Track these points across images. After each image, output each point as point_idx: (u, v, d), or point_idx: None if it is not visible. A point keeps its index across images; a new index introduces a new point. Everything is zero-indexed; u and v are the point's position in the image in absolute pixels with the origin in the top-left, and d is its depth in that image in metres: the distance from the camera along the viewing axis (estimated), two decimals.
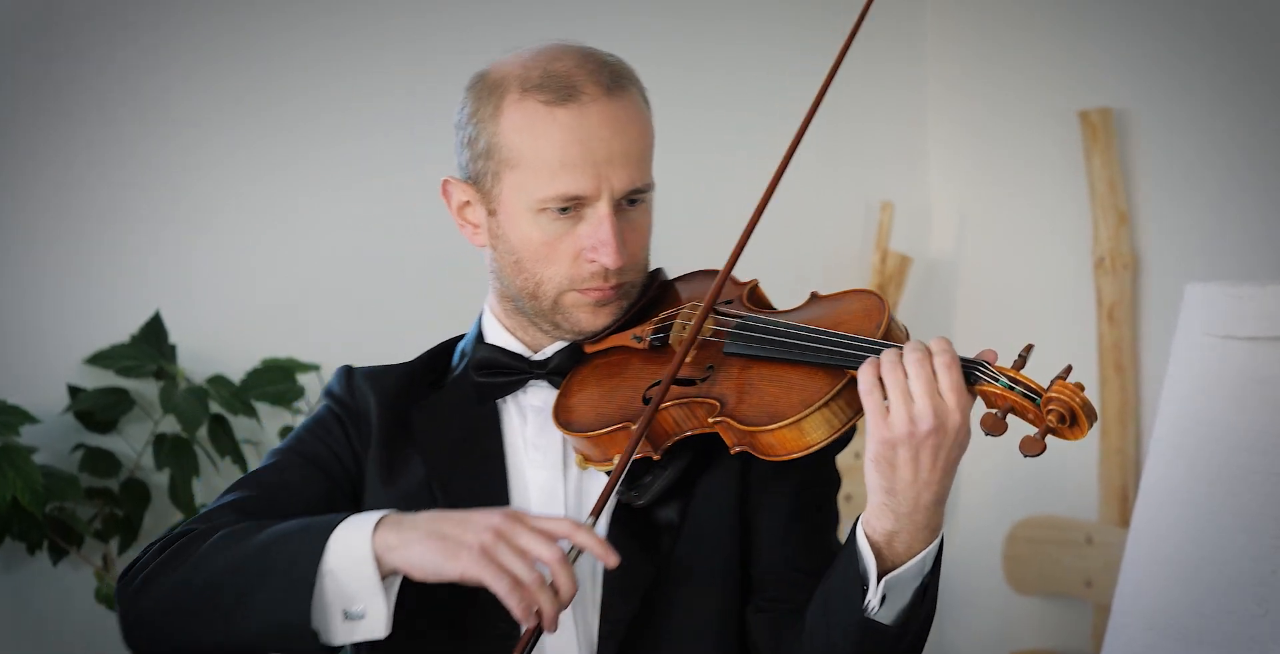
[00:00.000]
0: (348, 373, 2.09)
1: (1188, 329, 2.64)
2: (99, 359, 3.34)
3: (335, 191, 3.64)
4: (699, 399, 1.90)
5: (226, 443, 3.39)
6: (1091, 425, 1.78)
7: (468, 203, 2.02)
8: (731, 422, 1.87)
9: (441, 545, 1.78)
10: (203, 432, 3.39)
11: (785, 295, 2.24)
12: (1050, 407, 1.78)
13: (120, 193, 3.41)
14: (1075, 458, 4.00)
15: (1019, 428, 1.84)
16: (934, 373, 1.76)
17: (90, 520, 3.28)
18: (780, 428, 1.84)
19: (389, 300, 3.69)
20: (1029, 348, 1.83)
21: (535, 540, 1.78)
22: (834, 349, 1.86)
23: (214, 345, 3.48)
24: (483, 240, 2.03)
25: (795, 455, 1.86)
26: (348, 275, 3.65)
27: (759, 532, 1.99)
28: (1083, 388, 1.78)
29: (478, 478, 1.97)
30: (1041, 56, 4.15)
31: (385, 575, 1.82)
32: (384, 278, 3.69)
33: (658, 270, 2.08)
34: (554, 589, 1.78)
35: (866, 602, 1.82)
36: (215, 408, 3.40)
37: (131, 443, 3.37)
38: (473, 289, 3.68)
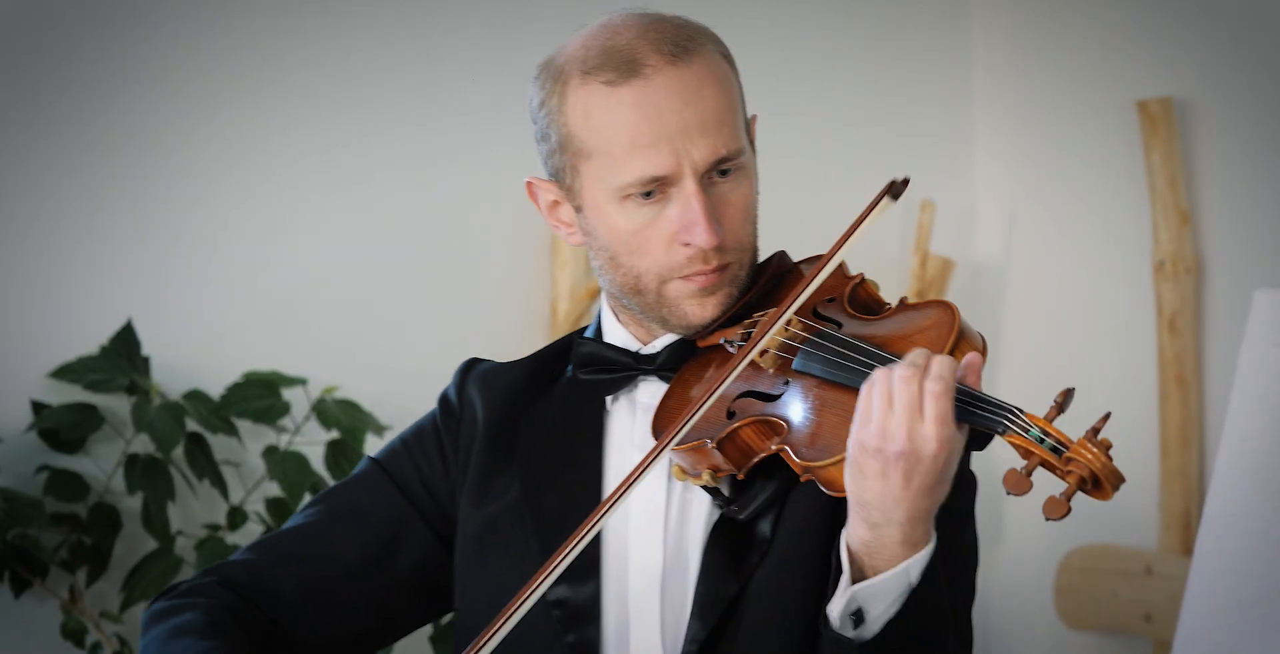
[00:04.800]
0: (463, 373, 2.11)
1: (1256, 339, 2.59)
2: (65, 372, 3.33)
3: (323, 192, 3.67)
4: (773, 418, 1.86)
5: (204, 464, 3.37)
6: (1117, 489, 1.71)
7: (556, 202, 2.01)
8: (789, 451, 1.83)
9: None
10: (179, 452, 3.36)
11: None
12: (1069, 467, 1.70)
13: (90, 193, 3.41)
14: (1133, 481, 3.96)
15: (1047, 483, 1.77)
16: (920, 394, 1.72)
17: (56, 549, 3.27)
18: (830, 465, 1.79)
19: (380, 308, 3.72)
20: (1067, 393, 1.76)
21: None
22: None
23: (191, 358, 3.47)
24: (578, 239, 2.01)
25: None
26: (336, 281, 3.67)
27: None
28: (1109, 446, 1.72)
29: (571, 496, 1.98)
30: (1095, 40, 4.15)
31: None
32: (374, 284, 3.72)
33: (781, 254, 2.05)
34: None
35: (828, 609, 1.79)
36: (192, 426, 3.37)
37: (101, 464, 3.35)
38: (469, 292, 3.82)
